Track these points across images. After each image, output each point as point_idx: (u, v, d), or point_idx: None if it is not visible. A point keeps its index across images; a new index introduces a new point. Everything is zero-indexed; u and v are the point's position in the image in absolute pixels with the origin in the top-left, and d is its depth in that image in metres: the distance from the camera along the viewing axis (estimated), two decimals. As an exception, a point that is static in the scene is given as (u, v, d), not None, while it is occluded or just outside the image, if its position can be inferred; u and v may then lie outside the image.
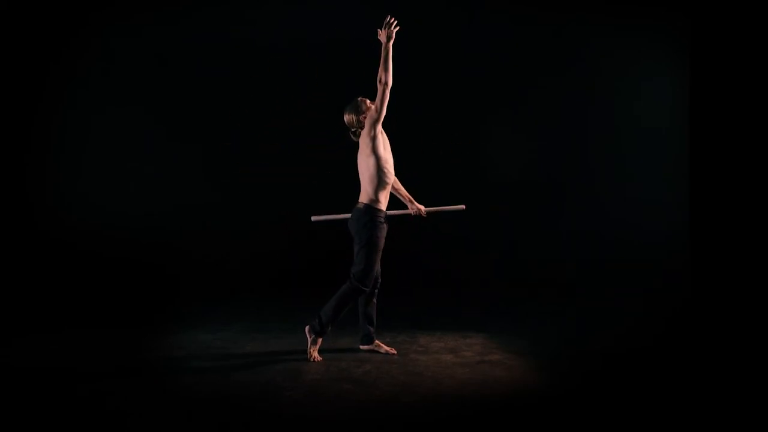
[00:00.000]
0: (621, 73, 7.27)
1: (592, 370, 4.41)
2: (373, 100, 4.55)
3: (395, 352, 4.72)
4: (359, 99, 4.66)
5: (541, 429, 3.48)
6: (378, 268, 4.68)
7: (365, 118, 4.57)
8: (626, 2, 7.07)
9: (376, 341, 4.80)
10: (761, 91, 6.32)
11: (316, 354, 4.58)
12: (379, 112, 4.46)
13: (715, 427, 3.50)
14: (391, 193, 4.66)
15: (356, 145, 4.65)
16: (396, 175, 4.72)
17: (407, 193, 4.86)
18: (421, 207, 4.85)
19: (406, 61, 7.23)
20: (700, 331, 5.38)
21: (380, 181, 4.53)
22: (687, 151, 6.93)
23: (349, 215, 4.66)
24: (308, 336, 4.61)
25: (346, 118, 4.64)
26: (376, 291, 4.77)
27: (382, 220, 4.56)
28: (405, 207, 4.88)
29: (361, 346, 4.81)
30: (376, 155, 4.50)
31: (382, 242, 4.56)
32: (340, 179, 7.23)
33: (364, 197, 4.57)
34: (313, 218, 4.92)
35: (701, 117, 6.78)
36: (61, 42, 7.08)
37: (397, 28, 4.51)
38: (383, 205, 4.58)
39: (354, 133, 4.65)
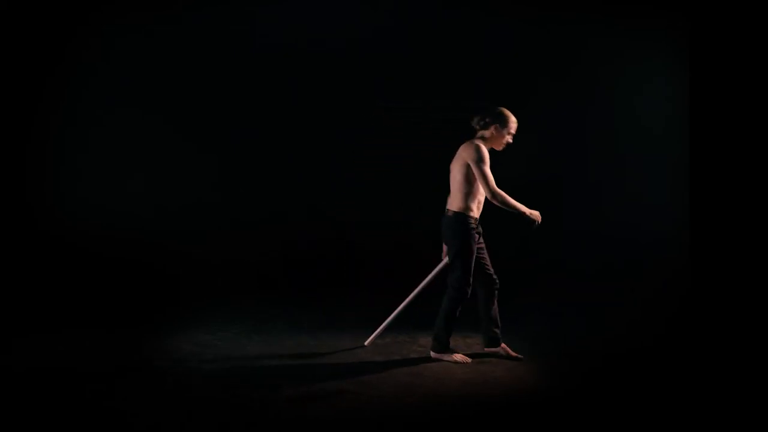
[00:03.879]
0: (621, 73, 7.28)
1: (592, 370, 4.41)
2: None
3: (521, 357, 4.58)
4: (510, 117, 4.47)
5: (541, 429, 3.48)
6: (489, 269, 4.58)
7: (495, 131, 4.43)
8: (626, 3, 7.07)
9: (503, 345, 4.66)
10: (761, 91, 6.32)
11: (460, 356, 4.52)
12: (481, 174, 4.33)
13: (715, 427, 3.50)
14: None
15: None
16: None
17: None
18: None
19: (407, 61, 7.28)
20: (700, 331, 5.38)
21: (471, 189, 4.40)
22: (687, 151, 6.93)
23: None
24: (440, 357, 4.53)
25: (487, 118, 4.45)
26: (496, 292, 4.62)
27: (474, 226, 4.44)
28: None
29: (486, 349, 4.69)
30: (478, 170, 4.33)
31: (474, 248, 4.43)
32: (340, 179, 7.28)
33: (453, 204, 4.46)
34: (367, 343, 4.88)
35: (701, 117, 6.79)
36: (61, 41, 7.08)
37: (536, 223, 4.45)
38: (475, 212, 4.44)
39: (476, 126, 4.49)
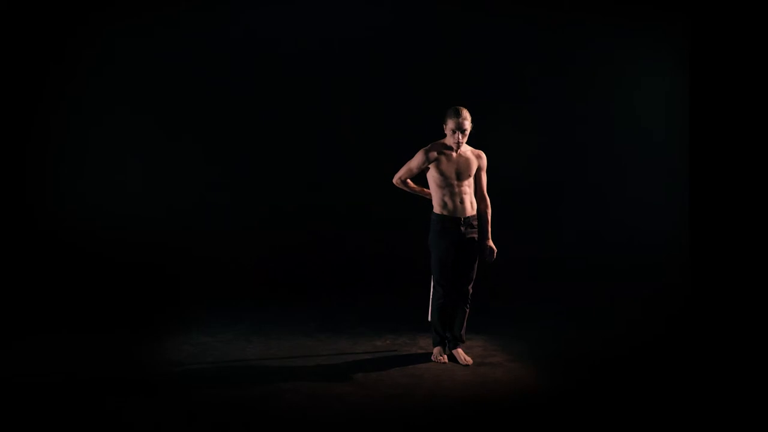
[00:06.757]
0: (621, 74, 7.27)
1: (593, 370, 4.41)
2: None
3: (444, 361, 4.58)
4: (450, 115, 4.61)
5: (541, 429, 3.48)
6: (461, 277, 4.64)
7: (446, 130, 4.64)
8: (626, 2, 7.07)
9: (455, 350, 4.64)
10: (761, 92, 6.32)
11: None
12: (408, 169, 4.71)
13: (715, 427, 3.50)
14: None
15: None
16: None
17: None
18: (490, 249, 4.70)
19: (406, 60, 7.27)
20: (700, 331, 5.38)
21: (433, 190, 4.63)
22: (687, 151, 6.93)
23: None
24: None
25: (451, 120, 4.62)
26: (465, 298, 4.69)
27: (439, 226, 4.54)
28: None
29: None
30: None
31: (442, 244, 4.53)
32: (340, 179, 7.28)
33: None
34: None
35: (701, 117, 6.79)
36: (61, 42, 7.07)
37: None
38: (442, 210, 4.56)
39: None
